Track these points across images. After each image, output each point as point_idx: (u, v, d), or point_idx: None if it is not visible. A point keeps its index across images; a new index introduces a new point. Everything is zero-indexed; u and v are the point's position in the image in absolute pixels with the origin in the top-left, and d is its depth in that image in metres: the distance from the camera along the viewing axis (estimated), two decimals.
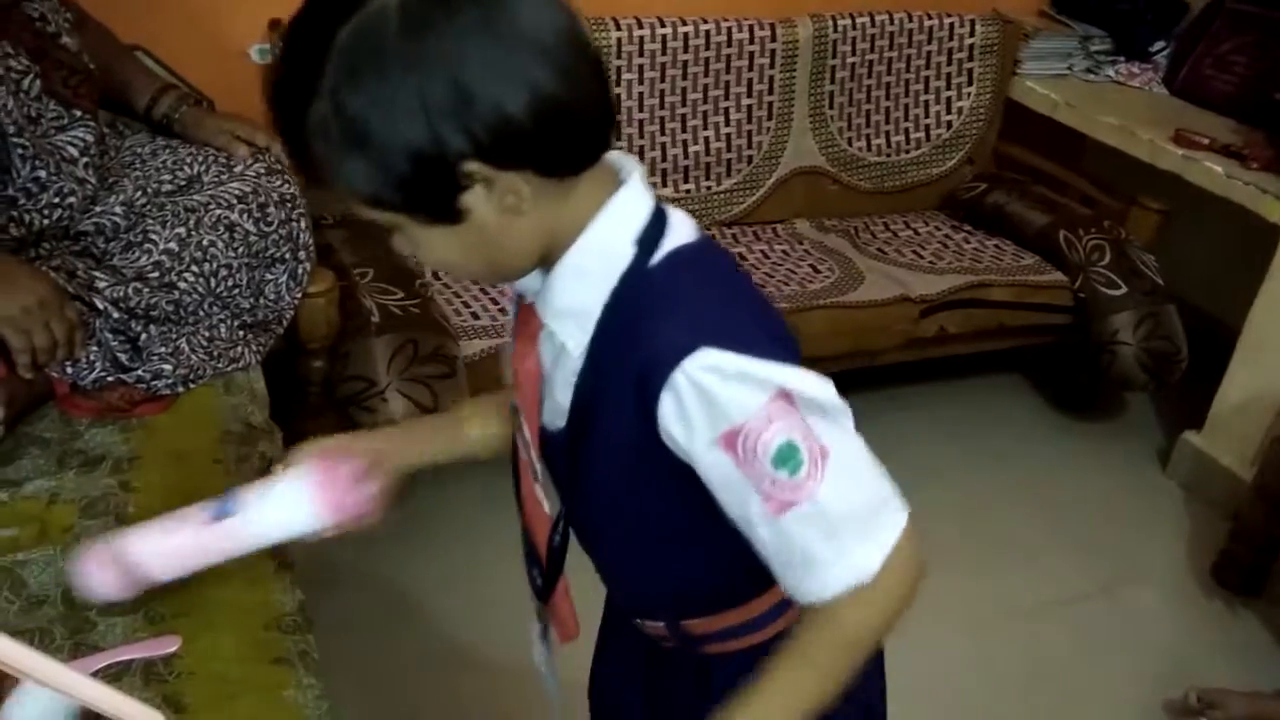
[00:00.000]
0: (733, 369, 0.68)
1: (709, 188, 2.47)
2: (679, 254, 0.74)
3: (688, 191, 2.45)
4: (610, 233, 0.72)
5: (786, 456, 0.69)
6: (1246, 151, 2.26)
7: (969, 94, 2.68)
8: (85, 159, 1.44)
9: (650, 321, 0.70)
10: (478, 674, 1.74)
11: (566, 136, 0.68)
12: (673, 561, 0.80)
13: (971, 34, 2.61)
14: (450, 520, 2.05)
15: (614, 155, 0.75)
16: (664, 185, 2.42)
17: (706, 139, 2.43)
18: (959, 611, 1.98)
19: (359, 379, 1.73)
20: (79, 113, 1.45)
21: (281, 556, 1.20)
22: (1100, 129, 2.49)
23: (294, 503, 0.88)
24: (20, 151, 1.36)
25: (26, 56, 1.37)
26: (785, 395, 0.69)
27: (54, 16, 1.46)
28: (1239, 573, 2.06)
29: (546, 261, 0.75)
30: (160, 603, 1.08)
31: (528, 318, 0.79)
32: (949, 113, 2.67)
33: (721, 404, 0.68)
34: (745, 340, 0.69)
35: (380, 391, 1.72)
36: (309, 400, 1.81)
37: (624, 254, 0.72)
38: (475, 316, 2.00)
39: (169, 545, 0.90)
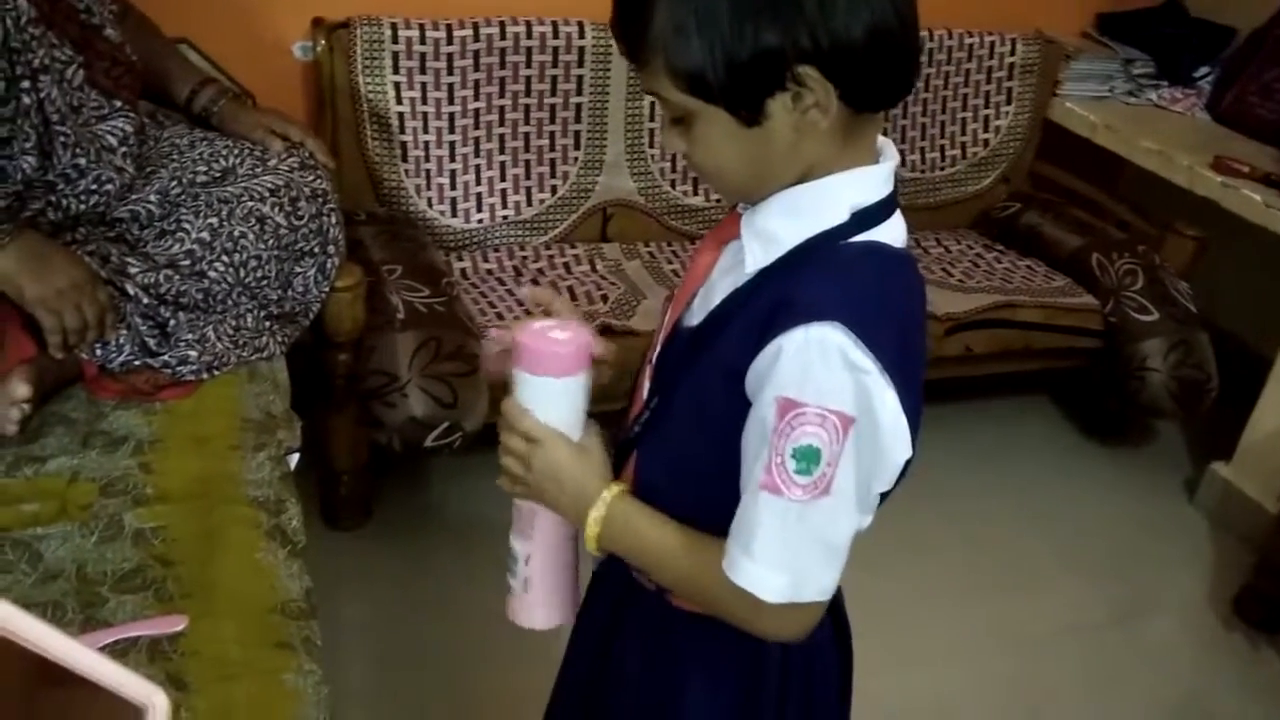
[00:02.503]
0: (844, 357, 0.71)
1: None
2: (877, 247, 0.77)
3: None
4: (839, 191, 0.76)
5: (805, 457, 0.71)
6: None
7: (1007, 113, 2.66)
8: (124, 148, 1.48)
9: (814, 278, 0.74)
10: (490, 672, 1.75)
11: (883, 71, 0.73)
12: (708, 496, 0.81)
13: (1012, 53, 2.60)
14: (472, 516, 2.07)
15: (883, 139, 0.80)
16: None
17: None
18: (974, 635, 1.96)
19: (381, 373, 1.76)
20: (119, 103, 1.49)
21: (291, 544, 1.23)
22: (1138, 153, 2.47)
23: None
24: (62, 139, 1.39)
25: (71, 47, 1.41)
26: (849, 421, 0.71)
27: (98, 8, 1.50)
28: (1262, 607, 2.03)
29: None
30: (170, 580, 1.11)
31: (730, 224, 0.83)
32: (986, 131, 2.66)
33: (810, 376, 0.71)
34: (876, 343, 0.71)
35: (401, 387, 1.74)
36: (334, 392, 1.84)
37: (837, 215, 0.76)
38: (500, 317, 2.02)
39: None
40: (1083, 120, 2.61)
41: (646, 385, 0.87)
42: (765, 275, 0.77)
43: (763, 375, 0.73)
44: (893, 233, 0.78)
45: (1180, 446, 2.57)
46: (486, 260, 2.23)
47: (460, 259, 2.22)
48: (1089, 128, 2.60)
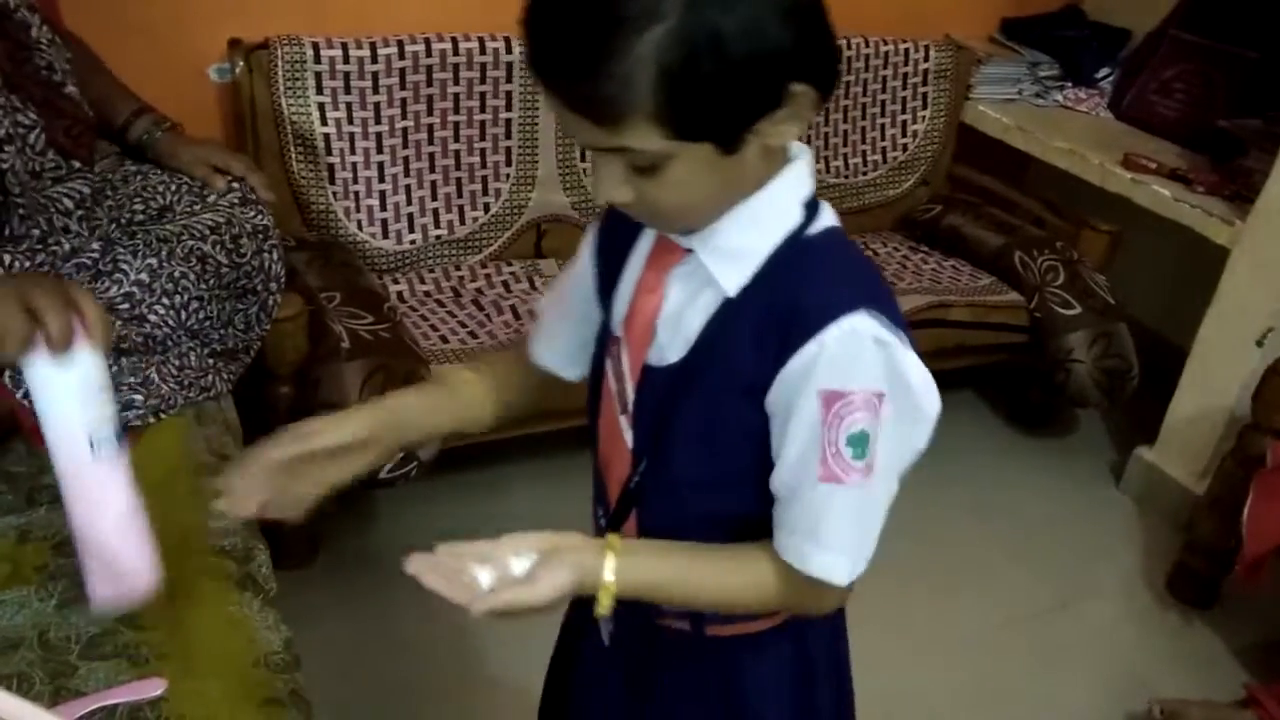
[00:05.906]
0: (875, 339, 0.74)
1: None
2: (835, 230, 0.80)
3: None
4: (786, 191, 0.78)
5: (858, 442, 0.74)
6: (1191, 175, 2.33)
7: (924, 118, 2.73)
8: (80, 211, 1.42)
9: (815, 278, 0.76)
10: (452, 707, 1.72)
11: (837, 57, 0.75)
12: (735, 508, 0.82)
13: (926, 59, 2.67)
14: (420, 547, 2.02)
15: None
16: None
17: None
18: (920, 628, 2.01)
19: (330, 405, 1.70)
20: (77, 163, 1.43)
21: (264, 593, 1.18)
22: (1051, 153, 2.56)
23: None
24: (20, 211, 1.34)
25: (34, 110, 1.35)
26: (882, 397, 0.74)
27: (59, 65, 1.44)
28: (1194, 585, 2.12)
29: None
30: (142, 644, 1.06)
31: (664, 252, 0.82)
32: (904, 136, 2.72)
33: (852, 365, 0.73)
34: (889, 315, 0.75)
35: None
36: (276, 427, 1.78)
37: (793, 214, 0.78)
38: (444, 340, 1.99)
39: None
40: (995, 123, 2.70)
41: (629, 435, 0.84)
42: (750, 291, 0.77)
43: (799, 379, 0.74)
44: (830, 213, 0.81)
45: (1102, 434, 2.67)
46: (423, 282, 2.19)
47: (395, 282, 2.18)
48: (1002, 129, 2.69)
